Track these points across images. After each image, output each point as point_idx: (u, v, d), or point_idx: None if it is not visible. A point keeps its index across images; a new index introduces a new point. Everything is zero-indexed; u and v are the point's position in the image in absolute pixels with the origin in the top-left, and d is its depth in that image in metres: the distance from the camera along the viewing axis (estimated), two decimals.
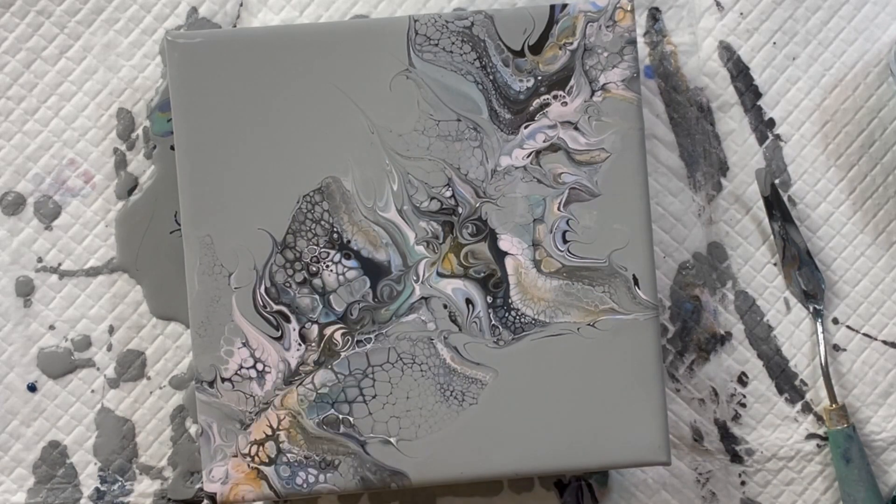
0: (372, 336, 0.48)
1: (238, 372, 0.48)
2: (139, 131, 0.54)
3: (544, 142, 0.48)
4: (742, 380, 0.55)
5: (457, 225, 0.48)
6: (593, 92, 0.49)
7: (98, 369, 0.54)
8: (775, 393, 0.55)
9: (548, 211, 0.48)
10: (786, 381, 0.55)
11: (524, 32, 0.49)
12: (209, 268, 0.48)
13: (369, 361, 0.48)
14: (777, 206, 0.54)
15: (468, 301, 0.48)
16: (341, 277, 0.48)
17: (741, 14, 0.55)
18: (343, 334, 0.48)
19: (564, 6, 0.49)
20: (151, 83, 0.54)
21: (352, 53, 0.48)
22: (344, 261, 0.48)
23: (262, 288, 0.48)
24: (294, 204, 0.48)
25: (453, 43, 0.48)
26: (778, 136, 0.55)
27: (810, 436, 0.55)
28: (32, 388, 0.54)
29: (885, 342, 0.55)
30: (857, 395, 0.55)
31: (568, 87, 0.49)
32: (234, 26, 0.54)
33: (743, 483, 0.55)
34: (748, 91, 0.55)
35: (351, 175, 0.48)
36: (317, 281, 0.48)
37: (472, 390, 0.48)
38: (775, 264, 0.55)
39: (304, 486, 0.48)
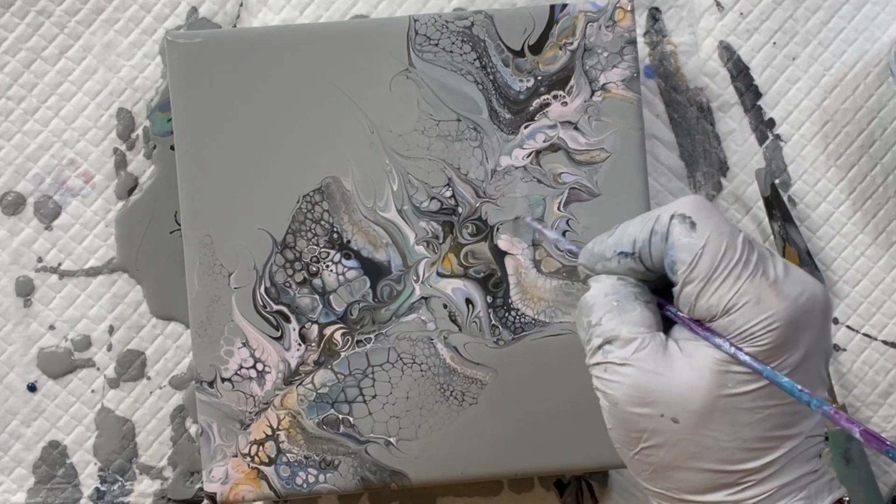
0: (372, 336, 0.48)
1: (238, 372, 0.48)
2: (139, 131, 0.54)
3: (544, 142, 0.49)
4: None
5: (457, 225, 0.48)
6: (593, 92, 0.49)
7: (98, 369, 0.54)
8: None
9: (548, 211, 0.48)
10: None
11: (524, 32, 0.49)
12: (209, 268, 0.48)
13: (369, 361, 0.48)
14: (777, 206, 0.54)
15: (468, 301, 0.48)
16: (341, 277, 0.48)
17: (741, 14, 0.55)
18: (343, 334, 0.48)
19: (564, 6, 0.49)
20: (151, 83, 0.54)
21: (352, 53, 0.48)
22: (344, 261, 0.48)
23: (262, 288, 0.48)
24: (294, 204, 0.48)
25: (453, 43, 0.48)
26: (778, 136, 0.55)
27: None
28: (32, 388, 0.54)
29: (885, 342, 0.55)
30: (857, 395, 0.55)
31: (568, 87, 0.49)
32: (234, 26, 0.54)
33: None
34: (748, 91, 0.55)
35: (351, 175, 0.48)
36: (317, 281, 0.48)
37: (472, 390, 0.48)
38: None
39: (304, 486, 0.48)
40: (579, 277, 0.39)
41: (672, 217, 0.35)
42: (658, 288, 0.38)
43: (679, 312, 0.36)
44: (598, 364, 0.36)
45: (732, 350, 0.34)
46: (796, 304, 0.34)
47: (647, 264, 0.36)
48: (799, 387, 0.33)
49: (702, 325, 0.35)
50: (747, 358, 0.34)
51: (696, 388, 0.34)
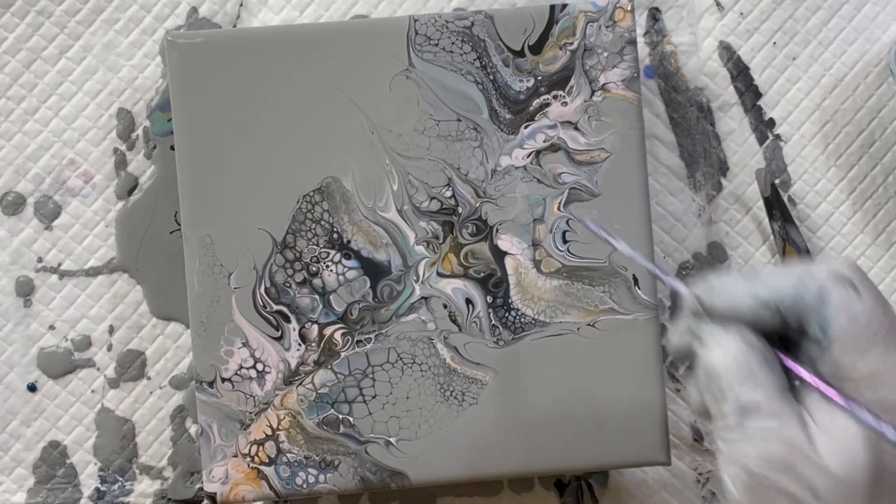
0: (372, 336, 0.48)
1: (238, 372, 0.48)
2: (139, 131, 0.54)
3: (544, 142, 0.49)
4: None
5: (457, 225, 0.48)
6: (593, 92, 0.49)
7: (98, 369, 0.54)
8: None
9: (548, 211, 0.48)
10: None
11: (524, 32, 0.49)
12: (209, 268, 0.48)
13: (369, 361, 0.48)
14: (777, 206, 0.54)
15: (468, 301, 0.48)
16: (341, 277, 0.48)
17: (741, 14, 0.55)
18: (343, 334, 0.48)
19: (564, 6, 0.49)
20: (151, 83, 0.54)
21: (352, 53, 0.48)
22: (344, 261, 0.48)
23: (262, 288, 0.48)
24: (294, 204, 0.48)
25: (453, 43, 0.48)
26: (778, 136, 0.55)
27: None
28: (32, 388, 0.54)
29: None
30: None
31: (568, 87, 0.49)
32: (234, 26, 0.54)
33: None
34: (748, 91, 0.55)
35: (351, 175, 0.48)
36: (317, 281, 0.48)
37: (472, 390, 0.48)
38: (775, 264, 0.55)
39: (304, 486, 0.48)
40: (688, 307, 0.37)
41: (832, 275, 0.34)
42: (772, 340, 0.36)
43: (808, 370, 0.35)
44: (733, 432, 0.34)
45: (874, 423, 0.33)
46: None
47: (788, 317, 0.35)
48: None
49: (843, 396, 0.34)
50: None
51: (839, 461, 0.33)
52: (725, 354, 0.35)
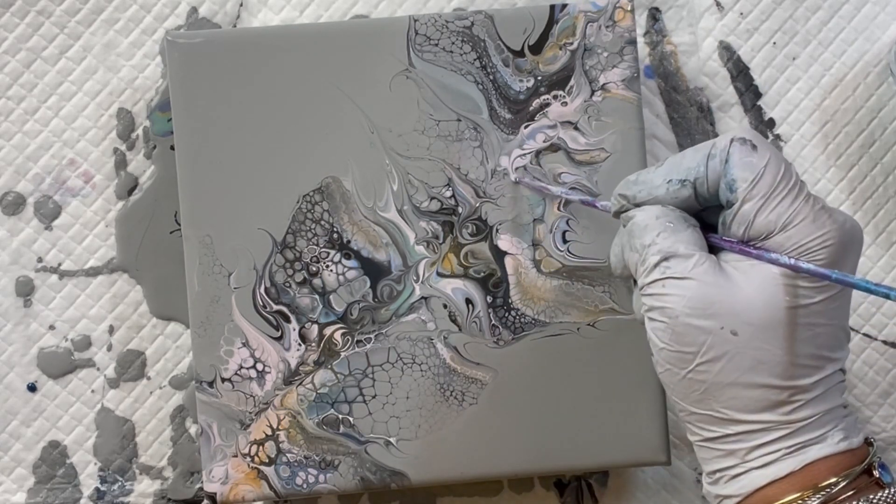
0: (372, 336, 0.48)
1: (238, 372, 0.48)
2: (139, 131, 0.54)
3: (544, 142, 0.49)
4: None
5: (457, 225, 0.48)
6: (593, 92, 0.49)
7: (98, 369, 0.54)
8: None
9: (548, 211, 0.48)
10: None
11: (524, 32, 0.49)
12: (209, 268, 0.48)
13: (369, 361, 0.48)
14: None
15: (468, 301, 0.48)
16: (341, 277, 0.48)
17: (741, 14, 0.55)
18: (343, 334, 0.48)
19: (564, 6, 0.49)
20: (151, 83, 0.54)
21: (352, 53, 0.48)
22: (344, 261, 0.48)
23: (262, 288, 0.48)
24: (294, 204, 0.48)
25: (453, 43, 0.48)
26: (778, 136, 0.55)
27: None
28: (32, 388, 0.54)
29: (885, 342, 0.55)
30: (858, 395, 0.55)
31: (568, 87, 0.49)
32: (234, 26, 0.54)
33: None
34: (748, 91, 0.55)
35: (351, 175, 0.48)
36: (317, 281, 0.48)
37: (472, 390, 0.48)
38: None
39: (304, 486, 0.48)
40: (609, 210, 0.41)
41: (732, 140, 0.37)
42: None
43: (725, 238, 0.37)
44: (655, 281, 0.37)
45: (792, 262, 0.35)
46: (844, 228, 0.36)
47: (701, 190, 0.37)
48: (874, 282, 0.34)
49: (752, 246, 0.36)
50: (811, 266, 0.35)
51: (757, 300, 0.36)
52: (648, 216, 0.38)
